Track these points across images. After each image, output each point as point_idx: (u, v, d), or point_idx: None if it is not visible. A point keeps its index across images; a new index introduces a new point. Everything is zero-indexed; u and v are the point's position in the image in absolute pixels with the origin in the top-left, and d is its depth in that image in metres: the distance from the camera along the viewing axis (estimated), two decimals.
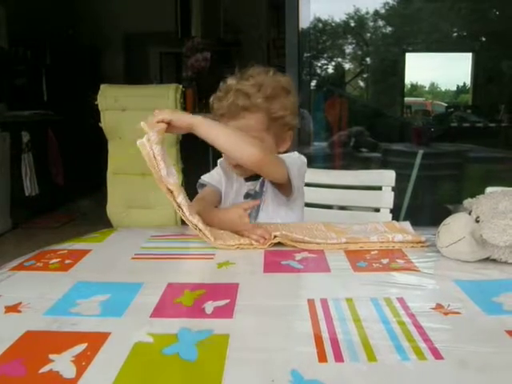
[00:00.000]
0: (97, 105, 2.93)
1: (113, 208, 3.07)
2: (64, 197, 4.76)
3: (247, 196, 1.33)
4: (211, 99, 1.28)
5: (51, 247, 1.11)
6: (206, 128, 1.08)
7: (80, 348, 0.63)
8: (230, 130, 1.13)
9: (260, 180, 1.32)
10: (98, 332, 0.67)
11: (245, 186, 1.34)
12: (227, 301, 0.77)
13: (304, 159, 1.33)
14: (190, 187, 3.26)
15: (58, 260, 1.00)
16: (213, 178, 1.37)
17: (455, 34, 5.34)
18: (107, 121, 2.94)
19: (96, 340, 0.65)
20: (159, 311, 0.75)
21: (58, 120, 4.59)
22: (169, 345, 0.63)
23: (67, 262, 0.99)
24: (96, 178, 3.50)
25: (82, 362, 0.59)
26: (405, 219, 1.21)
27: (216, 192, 1.35)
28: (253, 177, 1.32)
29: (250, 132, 1.18)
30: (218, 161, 1.40)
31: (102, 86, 2.96)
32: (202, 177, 1.39)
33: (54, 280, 0.90)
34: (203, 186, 1.38)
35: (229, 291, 0.80)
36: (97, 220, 3.04)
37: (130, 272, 0.94)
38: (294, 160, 1.26)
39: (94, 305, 0.77)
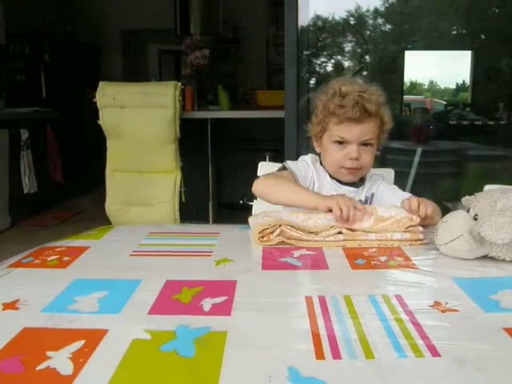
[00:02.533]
0: (95, 102, 2.93)
1: (112, 205, 3.08)
2: (63, 194, 4.76)
3: None
4: (325, 105, 1.30)
5: (49, 244, 1.11)
6: None
7: (77, 345, 0.63)
8: None
9: (368, 193, 1.37)
10: (95, 329, 0.67)
11: (343, 189, 1.35)
12: (225, 298, 0.77)
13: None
14: (190, 185, 3.26)
15: (56, 257, 1.00)
16: (298, 168, 1.36)
17: (454, 32, 5.33)
18: (106, 118, 2.94)
19: (94, 337, 0.65)
20: (157, 308, 0.74)
21: (56, 117, 4.58)
22: (166, 342, 0.63)
23: (65, 259, 0.99)
24: (95, 176, 3.51)
25: (80, 359, 0.59)
26: None
27: (293, 179, 1.33)
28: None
29: (370, 136, 1.28)
30: (308, 159, 1.40)
31: (101, 84, 2.96)
32: (288, 161, 1.39)
33: (52, 277, 0.90)
34: (284, 169, 1.37)
35: (227, 288, 0.80)
36: (96, 217, 3.05)
37: (128, 269, 0.93)
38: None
39: (92, 302, 0.77)
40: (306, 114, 2.44)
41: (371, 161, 1.33)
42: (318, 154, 1.40)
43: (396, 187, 1.43)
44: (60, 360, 0.59)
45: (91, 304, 0.76)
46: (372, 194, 1.37)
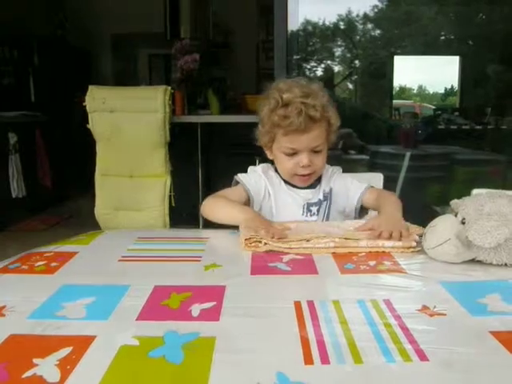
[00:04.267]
0: (85, 106, 2.91)
1: (101, 210, 3.06)
2: (52, 199, 4.72)
3: (311, 205, 1.35)
4: (269, 117, 1.28)
5: (37, 249, 1.10)
6: None
7: (65, 352, 0.62)
8: None
9: (326, 190, 1.37)
10: (83, 335, 0.67)
11: (300, 193, 1.36)
12: (214, 303, 0.76)
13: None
14: (179, 189, 3.25)
15: (43, 262, 0.99)
16: (248, 181, 1.36)
17: (443, 38, 5.38)
18: (95, 122, 2.93)
19: (81, 343, 0.64)
20: (145, 314, 0.74)
21: (45, 121, 4.55)
22: (155, 348, 0.63)
23: (53, 264, 0.98)
24: (84, 180, 3.48)
25: (67, 366, 0.59)
26: None
27: (244, 193, 1.34)
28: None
29: (319, 143, 1.27)
30: (259, 169, 1.40)
31: (90, 88, 2.95)
32: (238, 175, 1.39)
33: (40, 283, 0.89)
34: (237, 183, 1.37)
35: (215, 294, 0.80)
36: (85, 222, 3.03)
37: (116, 274, 0.93)
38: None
39: (80, 308, 0.76)
40: None
41: (323, 163, 1.33)
42: (272, 161, 1.39)
43: (351, 177, 1.42)
44: (47, 367, 0.59)
45: (79, 310, 0.76)
46: (330, 190, 1.37)
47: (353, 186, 1.38)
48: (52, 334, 0.68)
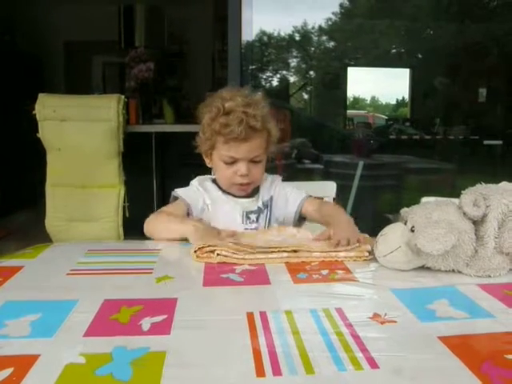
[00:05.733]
0: (35, 114, 2.82)
1: (52, 222, 2.96)
2: None
3: (250, 213, 1.35)
4: (210, 124, 1.28)
5: None
6: None
7: (5, 373, 0.59)
8: None
9: (266, 197, 1.38)
10: (26, 355, 0.64)
11: (238, 202, 1.36)
12: (165, 316, 0.75)
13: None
14: (132, 198, 3.17)
15: None
16: (188, 196, 1.35)
17: (394, 51, 5.56)
18: (45, 132, 2.84)
19: (23, 363, 0.61)
20: (93, 330, 0.71)
21: None
22: (102, 365, 0.61)
23: None
24: (34, 191, 3.37)
25: None
26: None
27: (185, 207, 1.33)
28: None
29: (258, 153, 1.28)
30: (196, 182, 1.39)
31: (41, 96, 2.86)
32: (176, 190, 1.38)
33: None
34: (176, 198, 1.36)
35: (167, 306, 0.78)
36: (35, 235, 2.91)
37: (64, 289, 0.89)
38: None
39: (24, 325, 0.73)
40: None
41: (261, 174, 1.36)
42: (210, 169, 1.40)
43: (291, 186, 1.44)
44: None
45: (22, 327, 0.72)
46: (271, 198, 1.40)
47: (292, 195, 1.40)
48: None
